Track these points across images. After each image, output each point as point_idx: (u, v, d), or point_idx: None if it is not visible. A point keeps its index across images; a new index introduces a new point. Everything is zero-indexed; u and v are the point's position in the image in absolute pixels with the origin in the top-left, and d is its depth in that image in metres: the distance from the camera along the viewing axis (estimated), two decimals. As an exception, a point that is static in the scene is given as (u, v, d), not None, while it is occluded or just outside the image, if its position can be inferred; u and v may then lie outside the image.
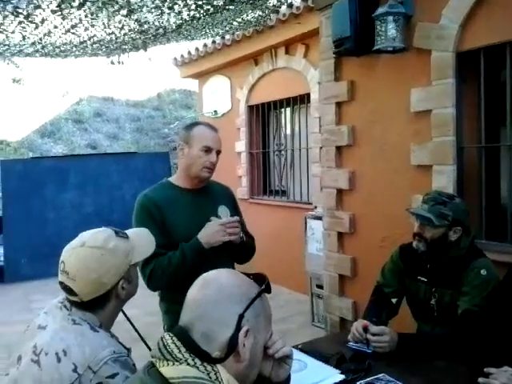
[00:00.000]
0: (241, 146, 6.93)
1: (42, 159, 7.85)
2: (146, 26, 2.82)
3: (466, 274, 2.11)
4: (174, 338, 0.95)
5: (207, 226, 2.09)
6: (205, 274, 1.06)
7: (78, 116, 12.65)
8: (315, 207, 5.34)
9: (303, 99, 5.82)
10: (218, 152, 2.16)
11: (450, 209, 2.13)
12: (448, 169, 2.77)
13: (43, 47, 3.16)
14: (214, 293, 0.99)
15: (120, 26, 2.76)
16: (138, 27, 2.82)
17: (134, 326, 1.61)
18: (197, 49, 7.18)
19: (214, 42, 6.70)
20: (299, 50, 5.71)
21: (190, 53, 7.40)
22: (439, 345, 1.98)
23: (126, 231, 1.48)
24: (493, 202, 2.84)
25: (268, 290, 1.05)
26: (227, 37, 6.35)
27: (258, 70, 6.48)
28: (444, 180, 2.78)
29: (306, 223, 4.81)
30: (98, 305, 1.38)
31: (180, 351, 0.93)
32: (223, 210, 2.21)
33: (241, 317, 0.97)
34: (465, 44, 2.69)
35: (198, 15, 2.74)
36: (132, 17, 2.60)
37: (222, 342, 0.95)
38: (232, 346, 0.94)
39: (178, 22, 2.82)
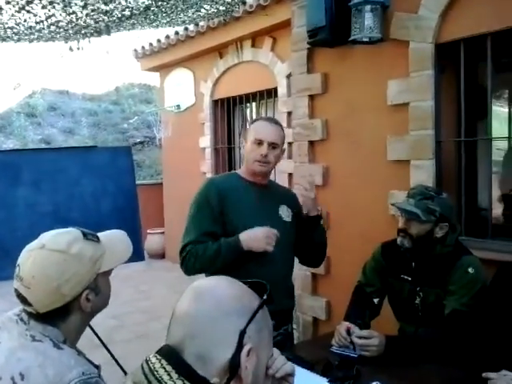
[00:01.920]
0: (205, 141, 6.74)
1: (-10, 154, 7.35)
2: (111, 6, 2.59)
3: (452, 273, 2.03)
4: (163, 361, 0.79)
5: (254, 229, 1.99)
6: (197, 284, 0.90)
7: (30, 110, 12.04)
8: (283, 204, 5.23)
9: (270, 93, 5.69)
10: (273, 145, 2.08)
11: (438, 204, 2.04)
12: (427, 163, 2.70)
13: (-8, 28, 2.87)
14: (209, 306, 0.83)
15: (82, 3, 2.51)
16: (102, 6, 2.59)
17: (98, 336, 1.43)
18: (159, 40, 6.93)
19: (176, 33, 6.48)
20: (266, 42, 5.57)
21: (151, 44, 7.14)
22: (429, 347, 1.89)
23: (99, 234, 1.29)
24: (470, 198, 2.79)
25: (270, 300, 0.90)
26: (191, 28, 6.14)
27: (222, 63, 6.31)
28: (423, 175, 2.70)
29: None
30: (58, 317, 1.18)
31: (171, 377, 0.77)
32: (284, 210, 2.17)
33: (242, 333, 0.81)
34: (444, 35, 2.62)
35: (169, -6, 2.57)
36: (97, -8, 2.39)
37: (221, 364, 0.79)
38: (233, 369, 0.79)
39: (146, 2, 2.61)
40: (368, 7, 2.76)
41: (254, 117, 6.23)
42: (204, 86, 6.65)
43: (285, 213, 2.17)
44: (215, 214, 2.04)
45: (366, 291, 2.30)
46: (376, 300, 2.28)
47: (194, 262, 2.00)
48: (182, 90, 7.16)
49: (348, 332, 1.92)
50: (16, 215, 6.31)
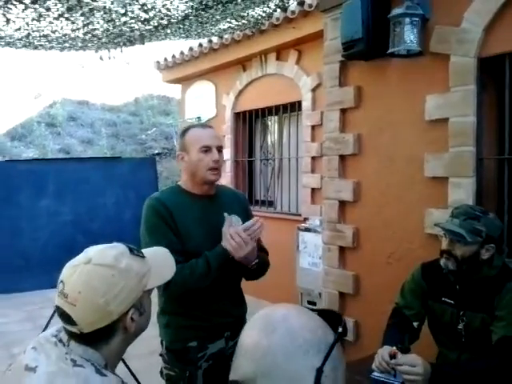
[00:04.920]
0: (226, 153, 6.69)
1: (15, 162, 7.32)
2: (151, 14, 2.54)
3: (500, 297, 1.93)
4: None
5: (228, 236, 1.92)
6: (265, 312, 0.81)
7: (50, 119, 12.16)
8: (304, 219, 5.14)
9: (294, 107, 5.63)
10: (219, 149, 2.02)
11: (484, 224, 1.94)
12: (467, 181, 2.59)
13: (28, 35, 2.83)
14: (283, 339, 0.75)
15: (123, 11, 2.47)
16: (142, 14, 2.55)
17: (127, 365, 1.34)
18: (182, 52, 6.94)
19: (200, 45, 6.48)
20: (291, 56, 5.53)
21: (174, 56, 7.16)
22: (478, 377, 1.77)
23: (142, 250, 1.23)
24: (511, 218, 2.67)
25: (345, 333, 0.82)
26: (215, 40, 6.13)
27: (246, 76, 6.28)
28: (462, 193, 2.60)
29: (298, 236, 4.58)
30: (102, 338, 1.11)
31: None
32: (235, 221, 2.05)
33: (319, 372, 0.73)
34: (488, 49, 2.53)
35: (210, 3, 2.49)
36: (139, 0, 2.34)
37: None
38: None
39: (187, 10, 2.56)
40: (408, 20, 2.69)
41: (276, 130, 6.18)
42: (226, 98, 6.63)
43: (235, 223, 2.05)
44: (175, 231, 1.93)
45: (405, 314, 2.18)
46: (415, 324, 2.17)
47: (182, 283, 1.86)
48: (203, 102, 7.15)
49: (392, 357, 1.81)
50: (38, 225, 6.29)
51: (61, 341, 1.11)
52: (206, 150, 1.97)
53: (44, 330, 1.33)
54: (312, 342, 0.75)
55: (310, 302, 4.47)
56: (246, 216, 2.14)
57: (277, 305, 0.83)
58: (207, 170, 1.98)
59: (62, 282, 1.10)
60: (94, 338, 1.09)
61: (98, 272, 1.09)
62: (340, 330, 0.80)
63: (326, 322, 0.82)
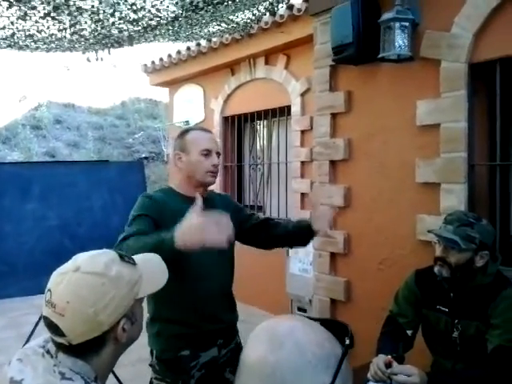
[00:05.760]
0: (214, 158, 6.64)
1: (0, 165, 7.21)
2: (140, 14, 2.50)
3: (495, 305, 1.91)
4: None
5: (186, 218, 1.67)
6: (269, 325, 0.77)
7: (36, 122, 12.00)
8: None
9: (283, 111, 5.60)
10: (218, 153, 2.04)
11: (478, 231, 1.93)
12: (458, 187, 2.58)
13: (13, 34, 2.76)
14: (291, 354, 0.71)
15: (111, 11, 2.42)
16: (131, 14, 2.50)
17: (115, 376, 1.30)
18: (169, 55, 6.88)
19: (188, 48, 6.42)
20: (280, 60, 5.51)
21: (161, 59, 7.09)
22: (474, 387, 1.75)
23: (133, 257, 1.18)
24: (503, 225, 2.66)
25: (352, 344, 0.78)
26: (203, 44, 6.09)
27: (234, 80, 6.24)
28: (454, 200, 2.58)
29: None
30: (92, 350, 1.05)
31: None
32: None
33: None
34: (479, 54, 2.52)
35: (201, 4, 2.45)
36: (128, 0, 2.30)
37: None
38: None
39: (178, 11, 2.52)
40: (398, 24, 2.67)
41: (265, 135, 6.14)
42: (215, 102, 6.58)
43: None
44: (156, 224, 1.87)
45: (398, 322, 2.16)
46: (409, 332, 2.14)
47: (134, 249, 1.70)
48: (191, 105, 7.09)
49: (387, 366, 1.78)
50: (23, 229, 6.17)
51: (48, 352, 1.06)
52: (207, 153, 1.99)
53: (29, 338, 1.27)
54: (321, 357, 0.72)
55: (300, 309, 4.43)
56: (238, 212, 2.16)
57: (280, 317, 0.80)
58: (206, 172, 1.98)
59: (49, 290, 1.05)
60: (83, 350, 1.04)
61: (86, 281, 1.03)
62: (347, 341, 0.76)
63: (331, 332, 0.79)
